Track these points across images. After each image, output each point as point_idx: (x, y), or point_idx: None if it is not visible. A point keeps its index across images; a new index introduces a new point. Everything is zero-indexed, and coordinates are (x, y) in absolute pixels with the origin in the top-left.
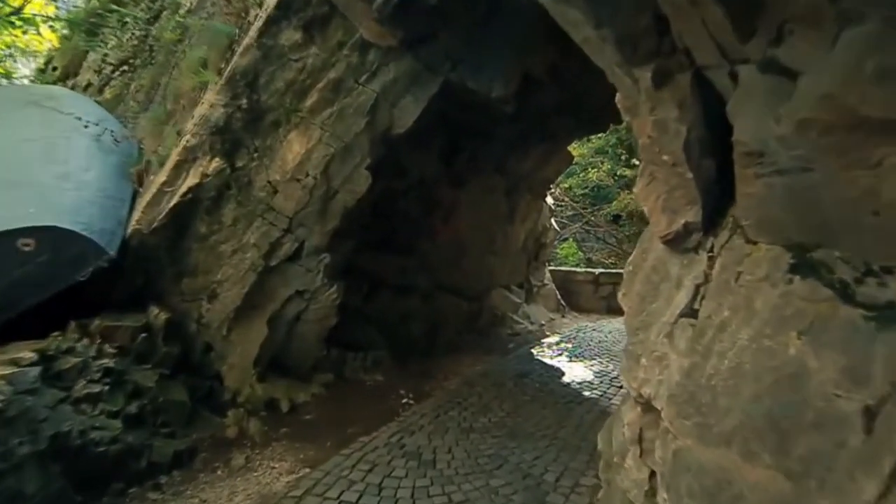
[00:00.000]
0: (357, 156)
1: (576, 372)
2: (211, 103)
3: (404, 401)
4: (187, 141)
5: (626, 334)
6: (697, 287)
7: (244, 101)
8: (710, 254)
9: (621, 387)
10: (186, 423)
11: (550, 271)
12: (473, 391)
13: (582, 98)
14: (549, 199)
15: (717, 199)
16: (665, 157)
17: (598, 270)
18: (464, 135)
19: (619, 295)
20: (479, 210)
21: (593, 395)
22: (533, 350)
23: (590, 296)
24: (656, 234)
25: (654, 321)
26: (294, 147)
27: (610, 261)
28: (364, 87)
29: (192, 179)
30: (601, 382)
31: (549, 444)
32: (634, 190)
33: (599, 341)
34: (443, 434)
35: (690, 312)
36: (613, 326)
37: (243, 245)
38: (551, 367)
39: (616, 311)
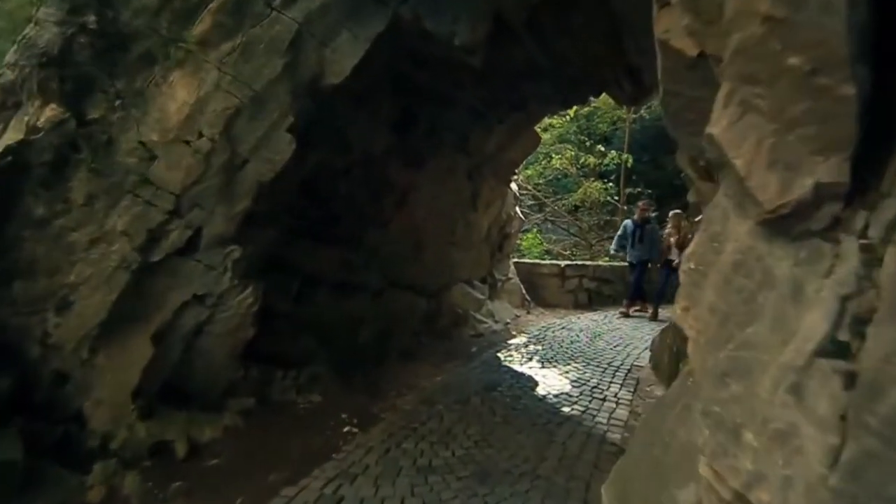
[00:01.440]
0: (273, 111)
1: (550, 381)
2: (37, 20)
3: (346, 429)
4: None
5: (702, 377)
6: (845, 302)
7: (91, 17)
8: (866, 241)
9: (604, 399)
10: (20, 489)
11: (514, 264)
12: (433, 411)
13: (561, 60)
14: (514, 186)
15: (870, 142)
16: (793, 60)
17: (563, 263)
18: (420, 100)
19: (678, 310)
20: (438, 194)
21: (574, 412)
22: (499, 354)
23: (556, 290)
24: (754, 207)
25: (759, 361)
26: (179, 94)
27: (569, 252)
28: (280, 14)
29: (11, 135)
30: (581, 394)
31: (530, 486)
32: (712, 131)
33: (571, 341)
34: (394, 477)
35: (836, 350)
36: (583, 324)
37: (106, 233)
38: (522, 375)
39: (582, 306)
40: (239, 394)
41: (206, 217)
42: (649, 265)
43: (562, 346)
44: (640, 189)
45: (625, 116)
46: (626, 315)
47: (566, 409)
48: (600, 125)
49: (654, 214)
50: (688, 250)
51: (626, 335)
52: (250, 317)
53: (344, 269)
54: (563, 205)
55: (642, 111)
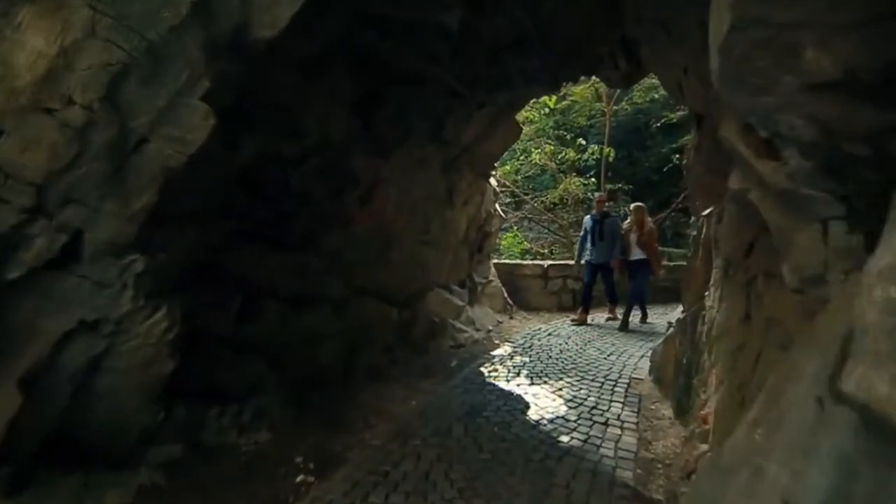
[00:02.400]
0: (179, 72)
1: (543, 402)
2: None
3: (300, 477)
4: None
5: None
6: None
7: None
8: None
9: (606, 422)
10: None
11: (494, 265)
12: (408, 449)
13: (551, 27)
14: (493, 181)
15: None
16: None
17: (546, 263)
18: (385, 78)
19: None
20: (409, 189)
21: (574, 442)
22: (483, 368)
23: (539, 292)
24: None
25: None
26: (31, 41)
27: (548, 251)
28: None
29: None
30: (579, 417)
31: None
32: None
33: (561, 350)
34: None
35: None
36: (571, 329)
37: None
38: (510, 395)
39: (567, 308)
40: (160, 441)
41: (88, 216)
42: (612, 267)
43: (551, 357)
44: (620, 185)
45: (605, 109)
46: (579, 323)
47: (564, 439)
48: (579, 119)
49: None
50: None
51: (619, 341)
52: (167, 346)
53: (299, 277)
54: (542, 202)
55: (623, 102)
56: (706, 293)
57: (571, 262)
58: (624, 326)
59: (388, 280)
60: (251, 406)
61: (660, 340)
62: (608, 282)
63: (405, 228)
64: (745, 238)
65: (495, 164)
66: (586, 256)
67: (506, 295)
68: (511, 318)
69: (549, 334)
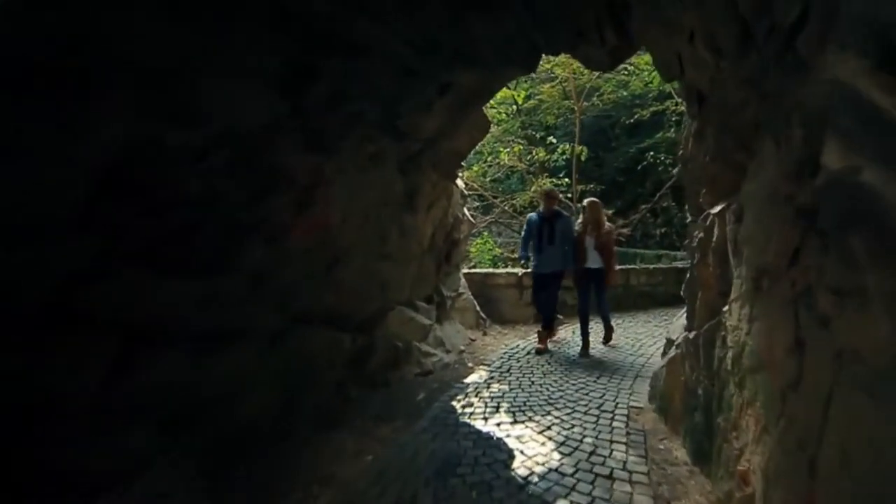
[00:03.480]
0: None
1: (530, 448)
2: None
3: None
4: None
5: None
6: None
7: None
8: None
9: (611, 475)
10: None
11: (465, 275)
12: None
13: None
14: (460, 182)
15: None
16: None
17: (521, 271)
18: (319, 44)
19: None
20: (360, 192)
21: None
22: (455, 402)
23: (514, 303)
24: None
25: None
26: None
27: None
28: None
29: None
30: (576, 467)
31: None
32: None
33: (544, 373)
34: None
35: None
36: (552, 345)
37: None
38: (489, 439)
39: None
40: None
41: None
42: (563, 278)
43: (533, 383)
44: (592, 185)
45: (574, 107)
46: (541, 352)
47: None
48: (547, 118)
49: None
50: None
51: (607, 359)
52: None
53: (208, 309)
54: (512, 205)
55: (594, 98)
56: (725, 309)
57: None
58: (585, 352)
59: (337, 302)
60: (136, 490)
61: (659, 361)
62: (552, 297)
63: (357, 239)
64: (789, 242)
65: (462, 164)
66: (531, 265)
67: (478, 308)
68: (485, 334)
69: (528, 353)
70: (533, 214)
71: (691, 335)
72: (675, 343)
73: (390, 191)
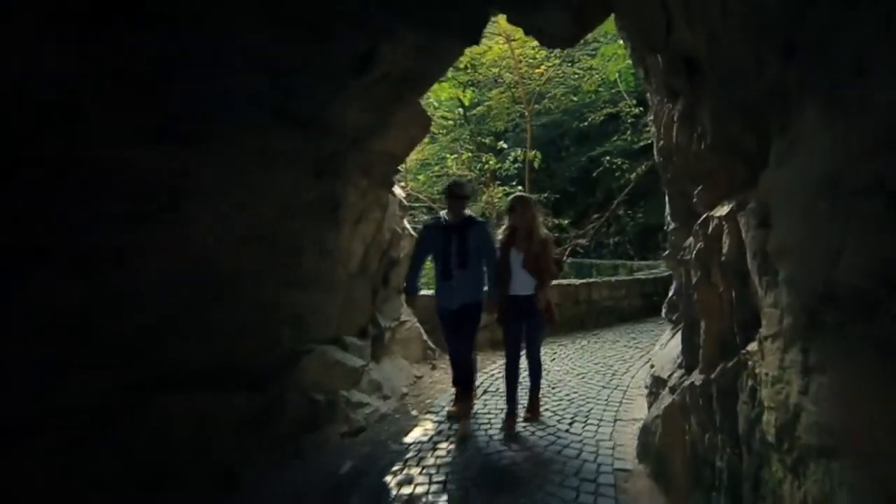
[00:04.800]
0: None
1: None
2: None
3: None
4: None
5: None
6: None
7: None
8: None
9: None
10: None
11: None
12: None
13: None
14: (399, 191)
15: None
16: None
17: None
18: None
19: None
20: (250, 199)
21: None
22: (389, 479)
23: None
24: None
25: None
26: None
27: None
28: None
29: None
30: None
31: None
32: None
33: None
34: None
35: None
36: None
37: None
38: None
39: (499, 345)
40: None
41: None
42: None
43: (492, 438)
44: (546, 194)
45: (525, 111)
46: (458, 416)
47: None
48: (496, 124)
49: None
50: None
51: (578, 394)
52: None
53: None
54: None
55: (545, 100)
56: (750, 349)
57: None
58: (535, 413)
59: (222, 352)
60: None
61: (640, 398)
62: (465, 344)
63: (250, 264)
64: (878, 251)
65: (400, 169)
66: (436, 300)
67: (426, 337)
68: (434, 368)
69: (485, 391)
70: (430, 224)
71: (697, 380)
72: (670, 385)
73: (299, 200)
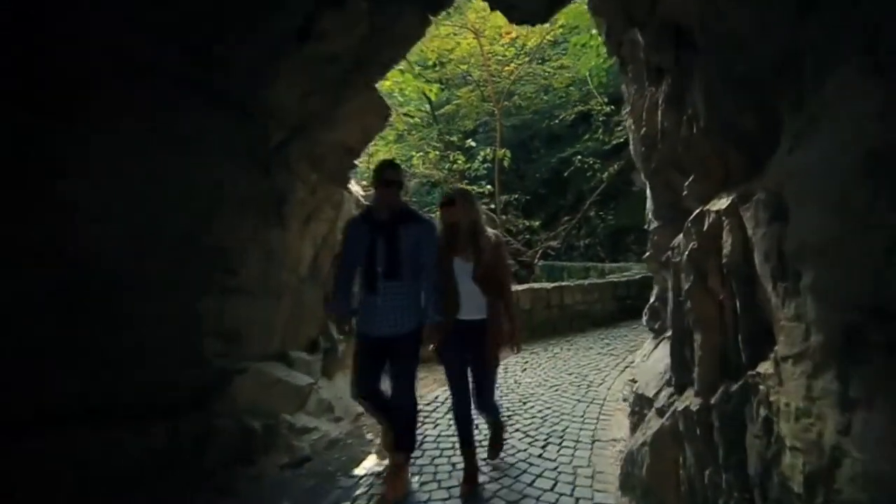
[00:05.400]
0: None
1: None
2: None
3: None
4: None
5: None
6: None
7: None
8: None
9: None
10: None
11: None
12: None
13: None
14: (357, 188)
15: None
16: None
17: None
18: None
19: None
20: (163, 187)
21: None
22: None
23: None
24: None
25: None
26: None
27: None
28: None
29: None
30: None
31: None
32: None
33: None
34: None
35: None
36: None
37: None
38: None
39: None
40: None
41: None
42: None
43: (454, 468)
44: (516, 195)
45: (495, 108)
46: (391, 492)
47: None
48: (465, 122)
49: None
50: None
51: (552, 410)
52: None
53: None
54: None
55: (515, 97)
56: (763, 370)
57: None
58: (470, 483)
59: (120, 376)
60: None
61: (635, 433)
62: (398, 388)
63: (164, 267)
64: None
65: (357, 163)
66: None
67: None
68: None
69: (450, 408)
70: (352, 222)
71: (693, 404)
72: (657, 406)
73: (235, 194)
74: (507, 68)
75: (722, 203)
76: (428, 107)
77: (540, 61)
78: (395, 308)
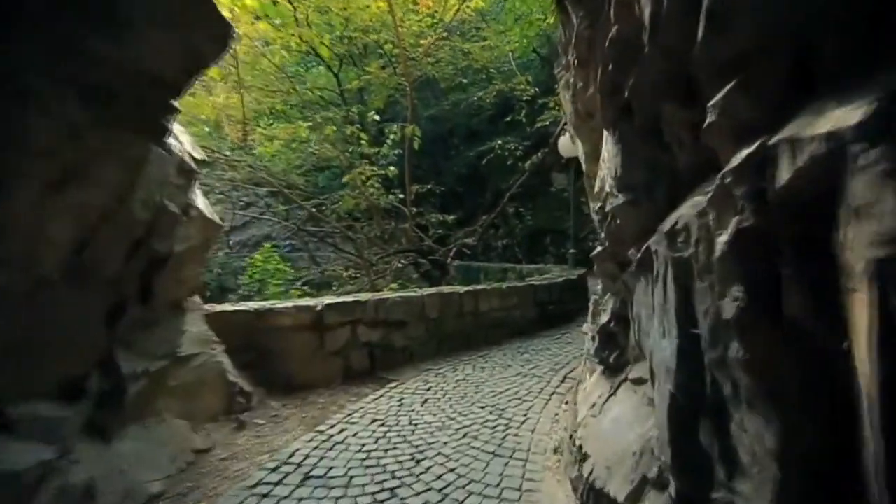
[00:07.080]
0: None
1: None
2: None
3: None
4: None
5: None
6: None
7: None
8: None
9: None
10: None
11: (215, 317)
12: None
13: None
14: (185, 140)
15: None
16: None
17: (320, 302)
18: None
19: None
20: None
21: None
22: None
23: (309, 354)
24: None
25: None
26: None
27: (348, 274)
28: None
29: None
30: None
31: None
32: None
33: None
34: None
35: None
36: (375, 430)
37: None
38: None
39: (360, 375)
40: None
41: None
42: None
43: None
44: (429, 186)
45: (407, 84)
46: None
47: None
48: (376, 101)
49: None
50: None
51: (455, 474)
52: None
53: None
54: (334, 210)
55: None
56: None
57: (368, 297)
58: None
59: None
60: None
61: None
62: None
63: None
64: None
65: (176, 105)
66: None
67: (233, 376)
68: (241, 426)
69: (324, 459)
70: None
71: None
72: None
73: None
74: (423, 42)
75: (843, 118)
76: (335, 80)
77: (459, 35)
78: None
